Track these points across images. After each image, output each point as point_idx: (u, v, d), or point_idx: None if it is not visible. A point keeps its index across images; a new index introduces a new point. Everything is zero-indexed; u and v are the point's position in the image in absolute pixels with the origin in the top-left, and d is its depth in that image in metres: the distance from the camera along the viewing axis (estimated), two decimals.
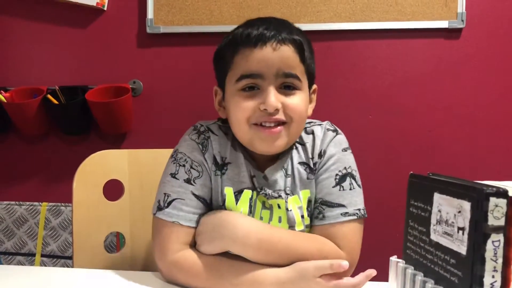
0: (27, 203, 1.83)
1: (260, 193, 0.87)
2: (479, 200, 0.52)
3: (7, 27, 1.84)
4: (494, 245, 0.51)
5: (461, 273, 0.54)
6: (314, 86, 0.96)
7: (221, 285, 0.78)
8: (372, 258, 0.98)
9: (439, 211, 0.60)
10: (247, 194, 0.87)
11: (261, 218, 0.87)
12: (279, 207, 0.87)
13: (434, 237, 0.61)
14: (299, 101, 0.85)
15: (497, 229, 0.51)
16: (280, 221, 0.87)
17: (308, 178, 0.89)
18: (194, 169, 0.86)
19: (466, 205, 0.54)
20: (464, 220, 0.54)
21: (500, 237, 0.51)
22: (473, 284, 0.52)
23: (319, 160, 0.89)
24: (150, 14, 1.73)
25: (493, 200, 0.51)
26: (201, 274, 0.79)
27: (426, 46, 1.67)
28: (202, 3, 1.71)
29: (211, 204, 0.88)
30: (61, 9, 1.80)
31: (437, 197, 0.61)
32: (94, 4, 1.75)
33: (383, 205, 1.66)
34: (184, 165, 0.86)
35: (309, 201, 0.89)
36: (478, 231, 0.52)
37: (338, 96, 1.70)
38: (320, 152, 0.90)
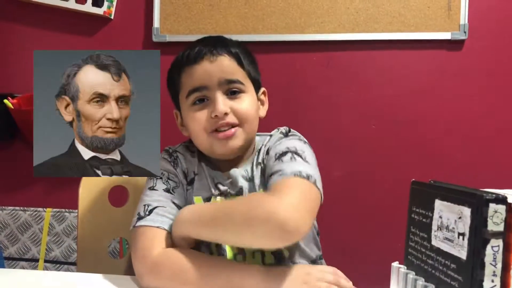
0: (32, 208, 1.84)
1: (226, 196, 0.93)
2: (479, 206, 0.53)
3: (16, 34, 1.87)
4: (494, 250, 0.52)
5: (461, 277, 0.55)
6: (263, 89, 1.02)
7: (212, 279, 0.75)
8: (374, 264, 0.99)
9: (440, 217, 0.61)
10: (214, 200, 0.92)
11: None
12: None
13: (435, 242, 0.62)
14: (246, 104, 0.92)
15: (496, 235, 0.52)
16: None
17: (264, 177, 0.92)
18: (172, 180, 0.92)
19: (466, 211, 0.55)
20: (464, 226, 0.55)
21: (500, 242, 0.52)
22: None
23: (266, 156, 0.93)
24: (156, 23, 1.76)
25: (492, 206, 0.52)
26: (188, 269, 0.76)
27: (428, 57, 1.68)
28: (207, 12, 1.74)
29: None
30: (68, 17, 1.82)
31: (438, 203, 0.62)
32: (101, 13, 1.78)
33: (386, 212, 1.66)
34: (161, 178, 0.92)
35: None
36: (478, 237, 0.53)
37: (341, 105, 1.72)
38: (267, 150, 0.94)
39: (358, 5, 1.68)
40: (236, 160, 0.96)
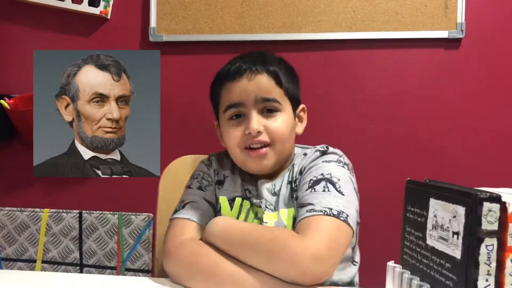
0: (29, 209, 1.84)
1: (249, 200, 0.97)
2: (473, 205, 0.53)
3: (12, 34, 1.86)
4: (488, 249, 0.52)
5: (456, 277, 0.55)
6: (302, 106, 1.04)
7: (223, 271, 0.78)
8: (371, 264, 0.99)
9: (435, 216, 0.61)
10: (238, 201, 0.98)
11: None
12: (257, 216, 0.95)
13: (430, 242, 0.62)
14: (281, 122, 0.94)
15: (490, 234, 0.52)
16: None
17: (291, 197, 0.94)
18: (205, 179, 1.01)
19: (461, 210, 0.55)
20: (459, 225, 0.55)
21: (494, 241, 0.52)
22: (467, 287, 0.52)
23: (299, 176, 0.95)
24: (153, 22, 1.75)
25: (486, 205, 0.52)
26: (203, 256, 0.81)
27: (426, 56, 1.68)
28: (204, 12, 1.74)
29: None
30: (65, 17, 1.82)
31: (433, 202, 0.61)
32: (98, 13, 1.77)
33: (384, 213, 1.66)
34: (196, 178, 1.01)
35: (295, 219, 0.90)
36: (472, 236, 0.53)
37: (339, 105, 1.72)
38: (301, 169, 0.95)
39: (355, 4, 1.68)
40: (272, 174, 0.99)
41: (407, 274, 0.65)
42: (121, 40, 1.81)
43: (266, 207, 0.94)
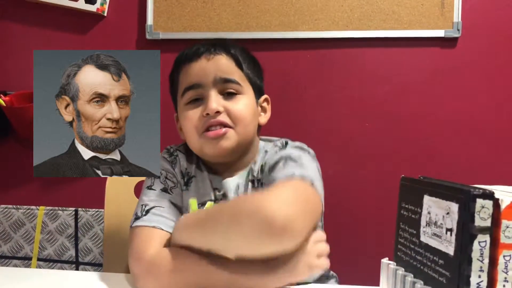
0: (24, 206, 1.84)
1: (218, 202, 0.90)
2: (466, 202, 0.53)
3: (7, 31, 1.86)
4: (481, 245, 0.52)
5: (449, 273, 0.55)
6: (265, 96, 0.99)
7: (211, 277, 0.71)
8: (365, 260, 0.99)
9: (429, 213, 0.61)
10: (209, 205, 0.89)
11: None
12: None
13: (423, 238, 0.62)
14: (242, 105, 0.89)
15: (483, 230, 0.52)
16: None
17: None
18: (169, 180, 0.91)
19: (454, 207, 0.55)
20: (452, 222, 0.55)
21: (487, 237, 0.52)
22: (460, 284, 0.53)
23: (261, 174, 0.90)
24: (149, 20, 1.75)
25: (479, 202, 0.52)
26: (184, 268, 0.73)
27: (422, 55, 1.68)
28: (201, 10, 1.73)
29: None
30: (61, 14, 1.81)
31: (426, 199, 0.62)
32: (94, 10, 1.77)
33: (379, 210, 1.66)
34: (159, 177, 0.91)
35: None
36: (465, 232, 0.53)
37: (335, 104, 1.72)
38: (261, 167, 0.90)
39: (351, 3, 1.68)
40: (234, 164, 0.93)
41: (401, 271, 0.65)
42: (118, 38, 1.80)
43: None
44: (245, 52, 0.95)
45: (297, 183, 0.76)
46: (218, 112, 0.86)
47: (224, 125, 0.87)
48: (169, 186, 0.90)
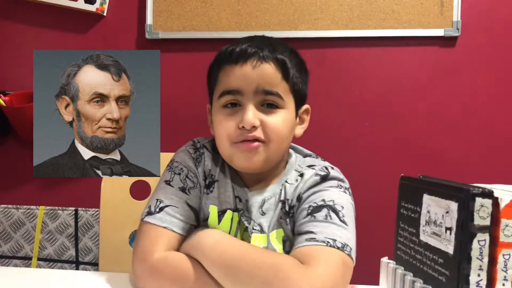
0: (24, 206, 1.84)
1: (240, 215, 0.86)
2: (465, 201, 0.53)
3: (7, 31, 1.85)
4: (480, 244, 0.52)
5: (449, 272, 0.55)
6: (306, 106, 0.94)
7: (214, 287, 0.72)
8: (366, 260, 0.99)
9: (428, 212, 0.61)
10: (229, 214, 0.86)
11: None
12: (246, 230, 0.85)
13: (423, 237, 0.62)
14: (280, 120, 0.83)
15: (482, 229, 0.52)
16: None
17: (281, 218, 0.85)
18: (190, 179, 0.86)
19: (453, 206, 0.55)
20: (452, 220, 0.55)
21: (486, 236, 0.52)
22: (459, 282, 0.53)
23: (297, 203, 0.85)
24: (149, 20, 1.75)
25: (479, 200, 0.52)
26: (189, 276, 0.73)
27: (422, 54, 1.68)
28: (200, 9, 1.73)
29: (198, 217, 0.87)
30: (61, 14, 1.81)
31: (426, 198, 0.62)
32: (94, 10, 1.77)
33: (378, 209, 1.66)
34: (179, 174, 0.86)
35: (284, 241, 0.84)
36: (465, 231, 0.53)
37: (335, 103, 1.72)
38: (299, 195, 0.85)
39: (351, 2, 1.68)
40: (261, 175, 0.88)
41: (400, 270, 0.65)
42: (118, 37, 1.80)
43: (253, 228, 0.84)
44: (293, 55, 0.88)
45: (337, 258, 0.71)
46: (254, 127, 0.81)
47: (258, 140, 0.82)
48: (188, 186, 0.85)
